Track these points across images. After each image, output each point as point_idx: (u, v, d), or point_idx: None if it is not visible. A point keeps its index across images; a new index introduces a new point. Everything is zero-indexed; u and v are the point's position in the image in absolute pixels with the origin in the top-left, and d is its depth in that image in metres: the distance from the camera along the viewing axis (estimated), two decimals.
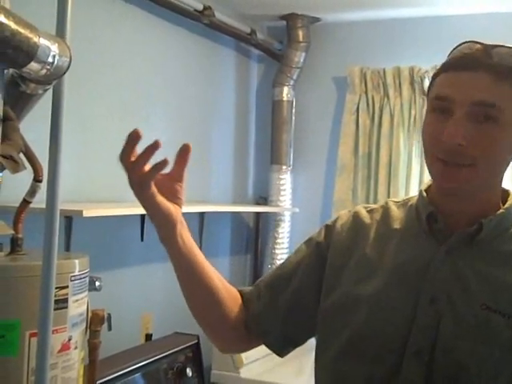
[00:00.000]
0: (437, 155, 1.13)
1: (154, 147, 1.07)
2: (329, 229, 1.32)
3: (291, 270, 1.33)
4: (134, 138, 1.08)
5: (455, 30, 3.25)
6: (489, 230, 1.16)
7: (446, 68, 1.16)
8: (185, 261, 1.22)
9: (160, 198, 1.14)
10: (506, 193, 1.23)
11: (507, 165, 1.18)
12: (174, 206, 1.17)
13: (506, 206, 1.20)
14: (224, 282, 1.30)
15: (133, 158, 1.08)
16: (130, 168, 1.09)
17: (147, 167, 1.09)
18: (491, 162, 1.13)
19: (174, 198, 1.18)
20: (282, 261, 4.00)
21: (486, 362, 1.09)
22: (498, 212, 1.18)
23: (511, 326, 1.09)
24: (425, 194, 1.24)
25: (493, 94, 1.10)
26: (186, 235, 1.21)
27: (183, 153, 1.15)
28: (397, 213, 1.28)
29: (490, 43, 1.16)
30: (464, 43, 1.19)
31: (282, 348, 1.33)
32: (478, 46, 1.15)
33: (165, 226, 1.18)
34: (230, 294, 1.30)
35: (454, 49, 1.20)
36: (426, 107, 1.21)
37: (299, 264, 1.32)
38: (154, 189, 1.12)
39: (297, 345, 1.34)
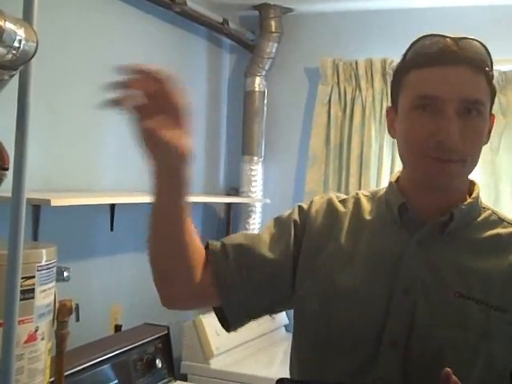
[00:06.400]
0: (427, 152, 1.12)
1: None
2: (303, 212, 1.29)
3: (266, 242, 1.26)
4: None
5: (426, 22, 3.26)
6: (459, 219, 1.17)
7: (420, 64, 1.15)
8: (176, 204, 1.16)
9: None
10: (471, 183, 1.25)
11: None
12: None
13: (474, 195, 1.21)
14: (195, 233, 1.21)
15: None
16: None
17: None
18: (477, 154, 1.16)
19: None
20: None
21: (461, 349, 1.10)
22: (467, 201, 1.19)
23: (484, 312, 1.11)
24: (395, 185, 1.24)
25: (476, 88, 1.12)
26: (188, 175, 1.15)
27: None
28: (367, 205, 1.28)
29: (455, 36, 1.15)
30: (426, 36, 1.17)
31: (235, 319, 1.25)
32: (448, 39, 1.15)
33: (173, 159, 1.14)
34: (198, 247, 1.22)
35: (414, 44, 1.19)
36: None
37: (273, 240, 1.26)
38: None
39: (248, 320, 1.28)
